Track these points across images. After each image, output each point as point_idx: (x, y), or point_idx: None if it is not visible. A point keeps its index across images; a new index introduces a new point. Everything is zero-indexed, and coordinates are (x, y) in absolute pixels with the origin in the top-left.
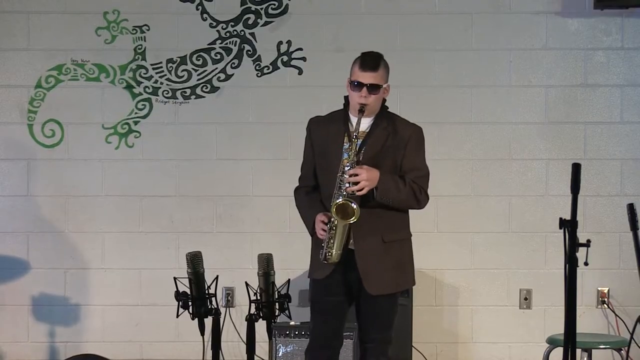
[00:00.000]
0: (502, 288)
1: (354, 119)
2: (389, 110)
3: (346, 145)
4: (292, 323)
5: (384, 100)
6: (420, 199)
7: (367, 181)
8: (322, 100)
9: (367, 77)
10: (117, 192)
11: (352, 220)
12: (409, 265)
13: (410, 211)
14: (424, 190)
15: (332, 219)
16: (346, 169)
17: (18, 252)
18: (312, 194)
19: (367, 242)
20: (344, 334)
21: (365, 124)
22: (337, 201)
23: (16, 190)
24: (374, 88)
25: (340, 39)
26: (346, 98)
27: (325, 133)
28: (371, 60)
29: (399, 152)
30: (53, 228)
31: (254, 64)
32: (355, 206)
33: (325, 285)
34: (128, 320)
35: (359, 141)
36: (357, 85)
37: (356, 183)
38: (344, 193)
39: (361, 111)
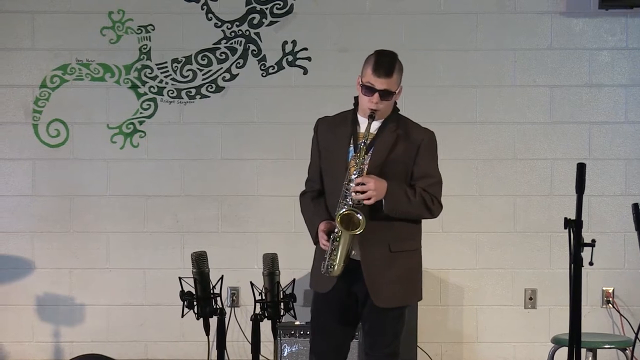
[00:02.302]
0: (507, 288)
1: (362, 121)
2: (400, 112)
3: (352, 149)
4: (297, 323)
5: (395, 102)
6: (432, 209)
7: (375, 191)
8: (327, 100)
9: (380, 83)
10: (122, 192)
11: (358, 231)
12: (417, 278)
13: None
14: (437, 198)
15: (336, 230)
16: (353, 177)
17: (23, 251)
18: (318, 199)
19: (373, 252)
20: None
21: (374, 126)
22: (342, 211)
23: (21, 190)
24: (386, 94)
25: (345, 39)
26: (355, 98)
27: (332, 135)
28: (386, 65)
29: (410, 158)
30: (58, 228)
31: (259, 63)
32: (361, 217)
33: (328, 300)
34: (133, 320)
35: (361, 143)
36: (368, 89)
37: (363, 192)
38: (350, 203)
39: (372, 117)
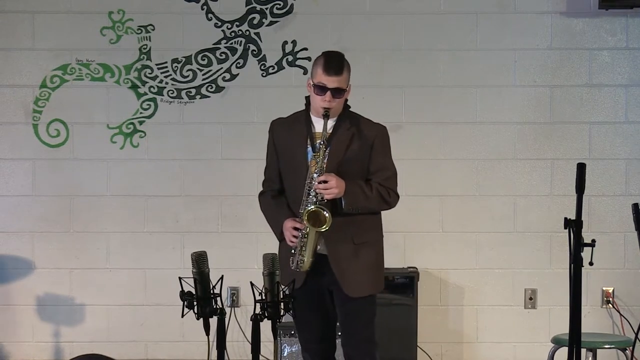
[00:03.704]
0: (507, 288)
1: (316, 121)
2: (351, 109)
3: (309, 148)
4: None
5: (346, 100)
6: (389, 201)
7: (336, 188)
8: None
9: (331, 82)
10: (122, 192)
11: (324, 228)
12: (380, 268)
13: (416, 211)
14: (393, 190)
15: (305, 227)
16: (315, 175)
17: (23, 252)
18: (278, 197)
19: (338, 246)
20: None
21: (328, 125)
22: (309, 208)
23: (21, 190)
24: (338, 92)
25: (345, 39)
26: (307, 98)
27: (288, 136)
28: (335, 64)
29: (365, 154)
30: (58, 228)
31: (259, 63)
32: (327, 214)
33: (302, 294)
34: (133, 320)
35: (319, 143)
36: (320, 89)
37: (326, 189)
38: (315, 200)
39: (326, 116)
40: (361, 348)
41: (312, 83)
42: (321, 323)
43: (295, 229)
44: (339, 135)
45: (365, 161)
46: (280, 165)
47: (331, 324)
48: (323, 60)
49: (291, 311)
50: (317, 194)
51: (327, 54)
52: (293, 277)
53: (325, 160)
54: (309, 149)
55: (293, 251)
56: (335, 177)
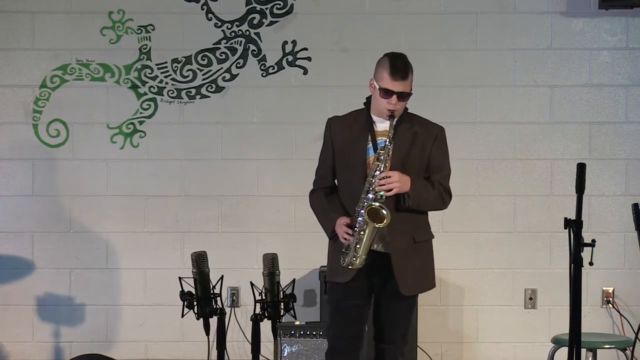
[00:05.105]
0: (507, 288)
1: (378, 120)
2: (408, 110)
3: (370, 145)
4: (297, 323)
5: None
6: (445, 200)
7: (399, 182)
8: (327, 100)
9: (398, 86)
10: (122, 192)
11: (382, 225)
12: (432, 266)
13: None
14: (449, 190)
15: (361, 224)
16: (376, 173)
17: (23, 252)
18: (331, 195)
19: (400, 243)
20: None
21: (388, 124)
22: (372, 204)
23: (21, 190)
24: (403, 95)
25: (345, 39)
26: (368, 98)
27: (348, 133)
28: (402, 69)
29: (426, 153)
30: (58, 228)
31: (259, 63)
32: (386, 212)
33: (348, 289)
34: (133, 320)
35: (385, 141)
36: (386, 92)
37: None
38: (374, 196)
39: (392, 117)
40: (398, 345)
41: (376, 85)
42: (358, 320)
43: (349, 226)
44: (401, 134)
45: (425, 159)
46: (336, 161)
47: (365, 321)
48: (389, 64)
49: (330, 303)
50: (377, 192)
51: (392, 57)
52: (342, 272)
53: (389, 158)
54: (370, 145)
55: (344, 250)
56: (398, 173)
